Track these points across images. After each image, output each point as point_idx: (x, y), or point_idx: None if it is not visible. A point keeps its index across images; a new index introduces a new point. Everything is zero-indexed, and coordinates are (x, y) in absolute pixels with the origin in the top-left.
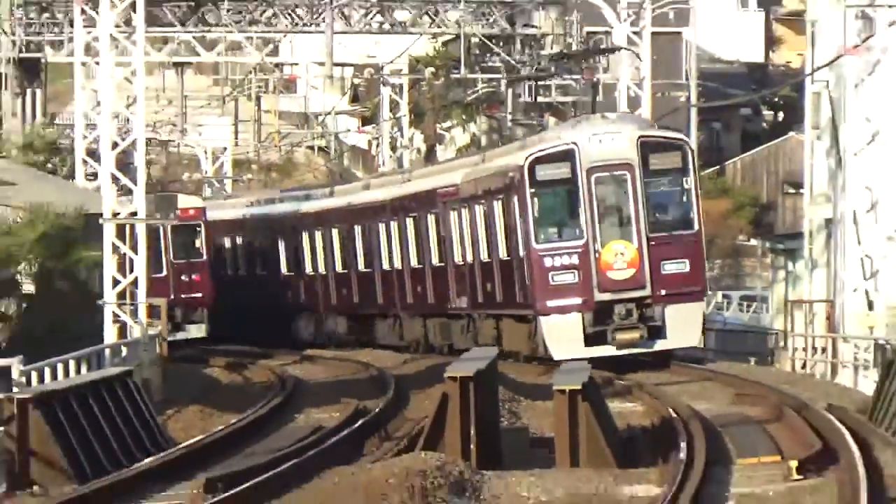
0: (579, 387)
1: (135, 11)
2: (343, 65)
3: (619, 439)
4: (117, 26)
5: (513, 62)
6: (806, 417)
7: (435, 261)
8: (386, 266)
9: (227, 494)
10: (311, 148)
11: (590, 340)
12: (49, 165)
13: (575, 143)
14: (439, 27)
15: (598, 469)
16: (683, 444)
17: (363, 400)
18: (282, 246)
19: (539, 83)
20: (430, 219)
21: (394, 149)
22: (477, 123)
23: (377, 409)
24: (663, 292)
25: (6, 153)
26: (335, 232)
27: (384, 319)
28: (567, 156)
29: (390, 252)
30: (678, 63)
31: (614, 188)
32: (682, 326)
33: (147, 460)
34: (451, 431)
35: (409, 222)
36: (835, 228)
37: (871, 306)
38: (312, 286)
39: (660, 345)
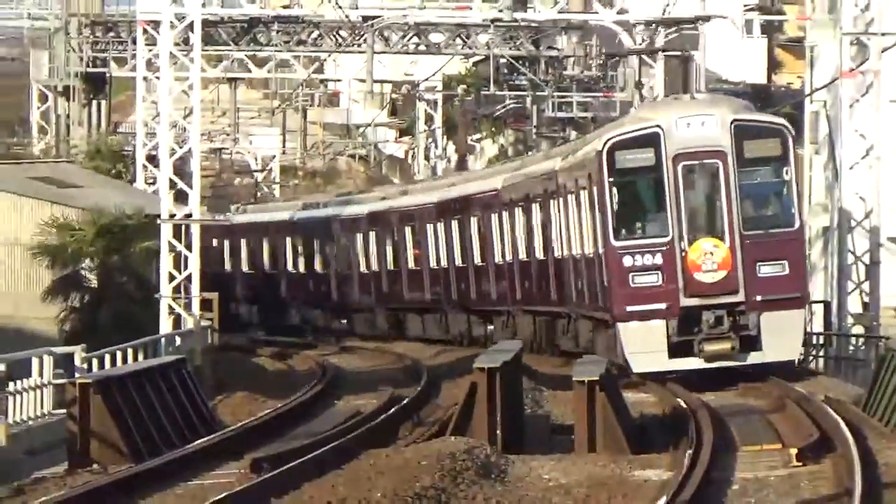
0: (597, 378)
1: (192, 31)
2: (382, 81)
3: (633, 427)
4: (176, 44)
5: (537, 81)
6: (805, 408)
7: (539, 255)
8: (499, 260)
9: (272, 473)
10: (353, 156)
11: (674, 351)
12: (114, 171)
13: (660, 127)
14: (470, 49)
15: (613, 454)
16: (692, 432)
17: (398, 388)
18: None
19: (561, 100)
20: (535, 208)
21: (428, 158)
22: (504, 136)
23: (411, 397)
24: (759, 298)
25: (73, 159)
26: (455, 224)
27: (499, 317)
28: (651, 140)
29: (503, 245)
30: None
31: (704, 178)
32: (780, 337)
33: (198, 441)
34: (478, 418)
35: (518, 212)
36: (832, 235)
37: (865, 307)
38: (436, 280)
39: (754, 357)
